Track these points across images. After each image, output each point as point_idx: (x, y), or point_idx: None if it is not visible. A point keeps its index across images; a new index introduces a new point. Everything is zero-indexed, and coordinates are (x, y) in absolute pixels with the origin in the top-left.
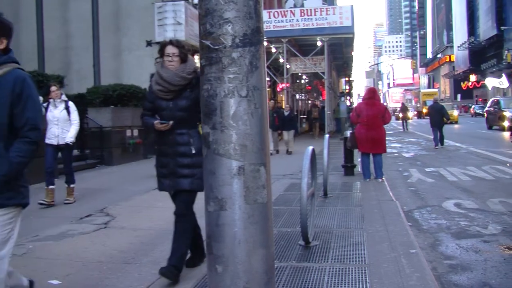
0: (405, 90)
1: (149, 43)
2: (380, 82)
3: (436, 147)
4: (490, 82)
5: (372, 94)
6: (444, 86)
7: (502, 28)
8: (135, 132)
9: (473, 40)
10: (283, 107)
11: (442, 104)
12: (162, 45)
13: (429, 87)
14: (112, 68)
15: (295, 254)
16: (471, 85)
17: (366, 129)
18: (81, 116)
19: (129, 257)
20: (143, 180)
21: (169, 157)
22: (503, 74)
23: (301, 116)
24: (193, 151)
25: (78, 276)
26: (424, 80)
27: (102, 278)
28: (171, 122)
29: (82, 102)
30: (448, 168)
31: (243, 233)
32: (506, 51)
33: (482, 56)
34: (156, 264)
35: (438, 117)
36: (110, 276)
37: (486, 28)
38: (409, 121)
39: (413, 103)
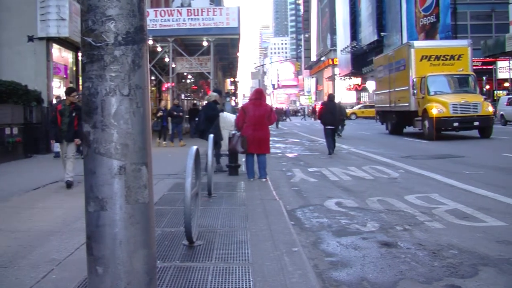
0: (289, 93)
1: (30, 39)
2: (265, 84)
3: (340, 135)
4: (371, 85)
5: (259, 95)
6: (327, 88)
7: (382, 34)
8: (15, 131)
9: (355, 44)
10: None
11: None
12: None
13: (316, 89)
14: None
15: (179, 254)
16: (352, 88)
17: (253, 130)
18: None
19: (6, 261)
20: (23, 180)
21: None
22: None
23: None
24: None
25: None
26: (308, 82)
27: None
28: None
29: None
30: (330, 168)
31: (124, 233)
32: None
33: (364, 60)
34: (36, 267)
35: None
36: None
37: (368, 34)
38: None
39: (297, 104)
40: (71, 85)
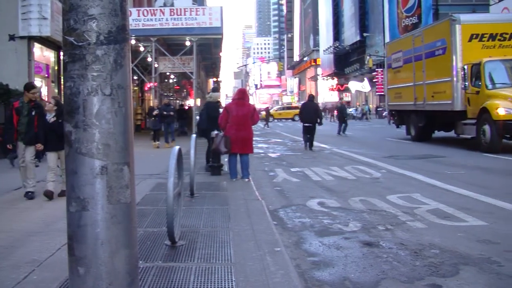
0: (271, 93)
1: (12, 37)
2: (248, 84)
3: (345, 133)
4: (353, 85)
5: (242, 95)
6: (310, 89)
7: (365, 34)
8: None
9: (337, 45)
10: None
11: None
12: None
13: (299, 89)
14: None
15: (161, 254)
16: (335, 88)
17: (236, 130)
18: None
19: None
20: (4, 180)
21: None
22: (365, 78)
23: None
24: None
25: None
26: (291, 82)
27: None
28: None
29: None
30: (313, 168)
31: (106, 233)
32: (367, 57)
33: (346, 60)
34: (16, 268)
35: (341, 113)
36: None
37: (350, 34)
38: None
39: (280, 103)
40: (55, 84)
